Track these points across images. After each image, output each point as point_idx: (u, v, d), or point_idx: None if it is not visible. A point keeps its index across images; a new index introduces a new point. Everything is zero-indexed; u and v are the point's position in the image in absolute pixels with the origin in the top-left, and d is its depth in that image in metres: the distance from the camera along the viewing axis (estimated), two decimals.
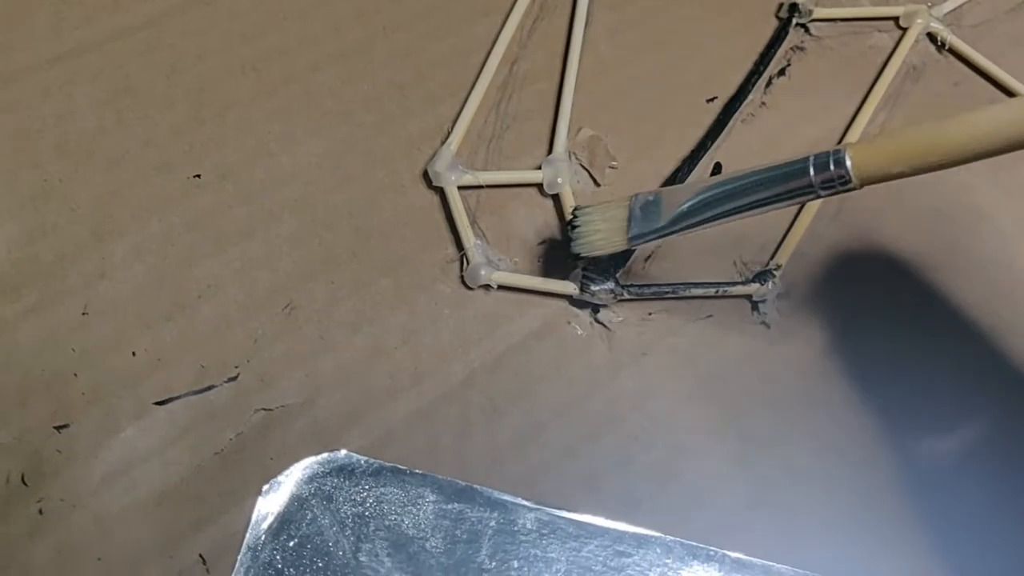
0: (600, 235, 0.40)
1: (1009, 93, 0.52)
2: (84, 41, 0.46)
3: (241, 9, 0.48)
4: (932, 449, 0.41)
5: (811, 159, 0.33)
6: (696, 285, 0.43)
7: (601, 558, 0.37)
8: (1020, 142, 0.30)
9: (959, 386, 0.42)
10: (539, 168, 0.45)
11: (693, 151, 0.47)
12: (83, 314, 0.39)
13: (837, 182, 0.33)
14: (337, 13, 0.49)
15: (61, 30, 0.46)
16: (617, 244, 0.39)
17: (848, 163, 0.32)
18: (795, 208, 0.46)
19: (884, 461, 0.40)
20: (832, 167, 0.33)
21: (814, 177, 0.33)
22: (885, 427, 0.41)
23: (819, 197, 0.34)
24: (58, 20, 0.46)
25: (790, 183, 0.34)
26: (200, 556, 0.35)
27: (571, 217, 0.41)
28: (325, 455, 0.37)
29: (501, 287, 0.42)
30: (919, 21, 0.53)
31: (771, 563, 0.37)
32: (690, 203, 0.37)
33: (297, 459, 0.37)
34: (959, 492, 0.40)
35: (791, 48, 0.52)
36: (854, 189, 0.33)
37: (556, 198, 0.45)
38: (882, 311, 0.44)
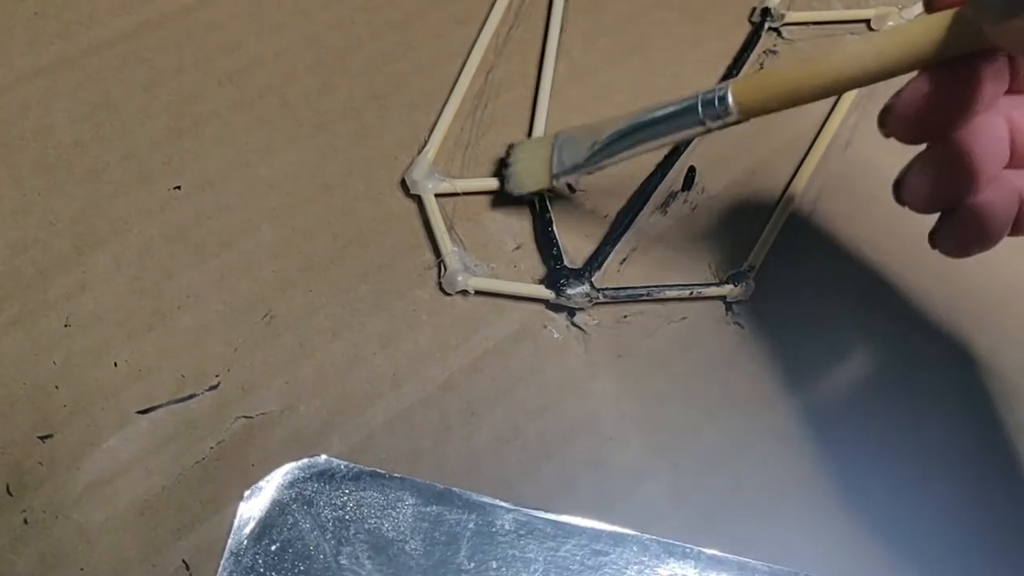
0: (528, 173, 0.43)
1: None
2: (61, 56, 0.47)
3: (217, 22, 0.49)
4: (909, 446, 0.42)
5: (699, 95, 0.36)
6: (671, 287, 0.43)
7: (578, 557, 0.37)
8: (883, 72, 0.31)
9: (936, 382, 0.43)
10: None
11: (667, 155, 0.48)
12: (65, 326, 0.40)
13: (722, 115, 0.35)
14: (313, 24, 0.50)
15: (38, 45, 0.47)
16: (542, 181, 0.43)
17: (729, 98, 0.35)
18: (768, 211, 0.47)
19: (859, 458, 0.41)
20: (716, 103, 0.35)
21: (702, 111, 0.36)
22: (860, 424, 0.42)
23: (710, 131, 0.37)
24: (35, 35, 0.47)
25: (684, 117, 0.37)
26: (183, 562, 0.36)
27: (504, 155, 0.44)
28: (305, 460, 0.38)
29: (478, 292, 0.43)
30: (890, 23, 0.54)
31: (746, 559, 0.38)
32: (603, 139, 0.40)
33: (278, 465, 0.38)
34: (934, 489, 0.41)
35: (764, 52, 0.53)
36: (739, 122, 0.35)
37: (532, 204, 0.45)
38: (855, 312, 0.44)
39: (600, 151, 0.40)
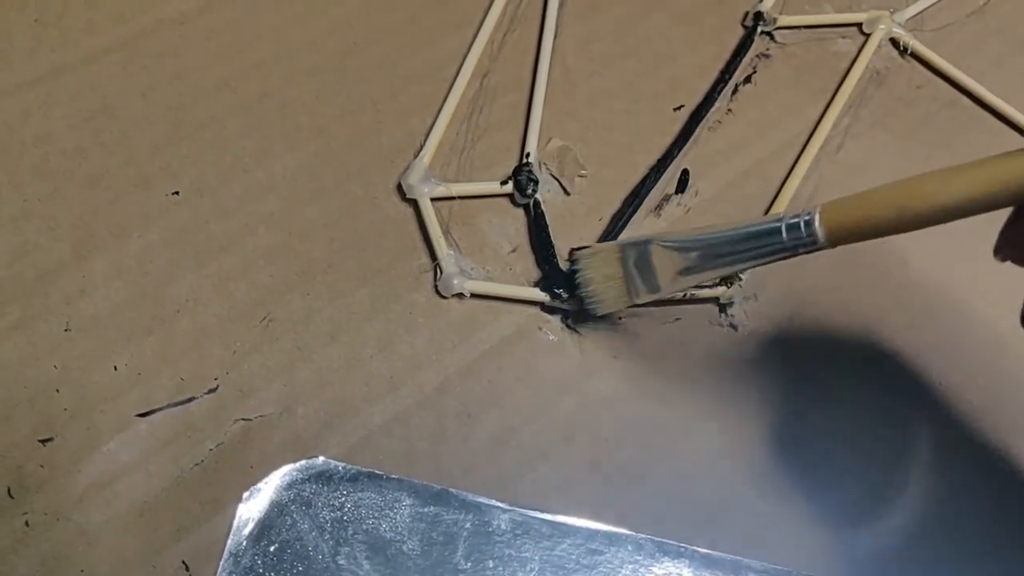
0: (605, 296, 0.41)
1: (970, 95, 0.53)
2: (61, 63, 0.47)
3: (215, 28, 0.49)
4: (899, 448, 0.42)
5: (783, 220, 0.34)
6: None
7: (574, 556, 0.38)
8: (996, 202, 0.29)
9: (922, 385, 0.43)
10: (509, 179, 0.46)
11: (660, 159, 0.48)
12: (65, 330, 0.40)
13: (807, 243, 0.34)
14: (311, 30, 0.50)
15: (38, 53, 0.47)
16: (621, 303, 0.41)
17: (816, 226, 0.33)
18: (761, 214, 0.47)
19: (852, 460, 0.41)
20: (803, 228, 0.33)
21: (786, 236, 0.34)
22: (853, 426, 0.42)
23: (796, 255, 0.35)
24: (35, 43, 0.47)
25: (765, 242, 0.35)
26: (183, 563, 0.36)
27: (570, 265, 0.43)
28: (303, 462, 0.38)
29: (474, 295, 0.43)
30: (882, 27, 0.55)
31: (739, 558, 0.38)
32: (685, 269, 0.38)
33: (276, 467, 0.38)
34: (923, 492, 0.41)
35: (757, 56, 0.54)
36: (826, 247, 0.34)
37: (527, 208, 0.46)
38: (847, 313, 0.45)
39: (680, 283, 0.39)
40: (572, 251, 0.43)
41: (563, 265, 0.44)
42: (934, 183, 0.30)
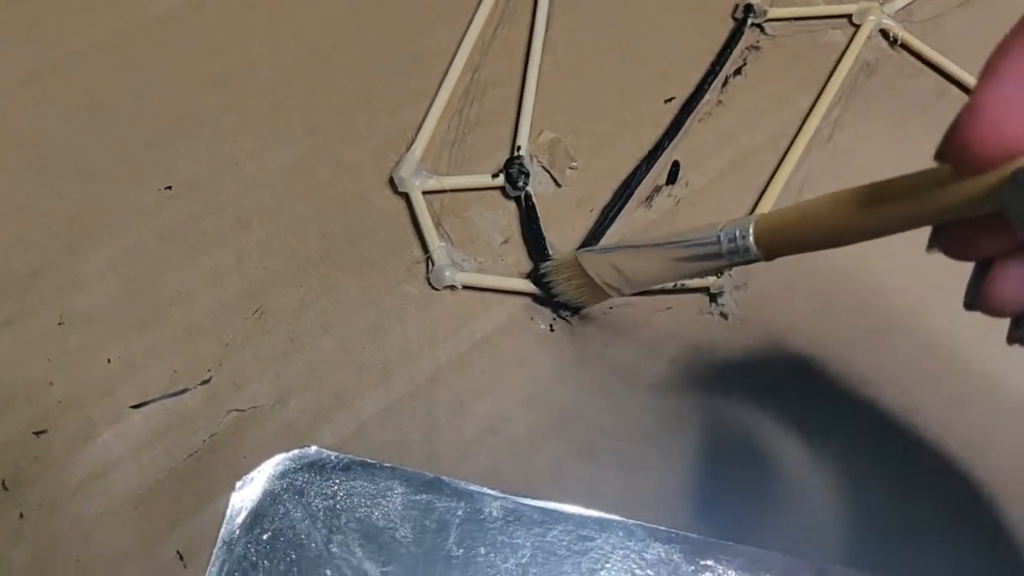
0: (577, 293, 0.42)
1: (960, 85, 0.53)
2: (55, 61, 0.47)
3: (207, 26, 0.50)
4: (885, 432, 0.42)
5: (720, 233, 0.34)
6: None
7: (565, 542, 0.38)
8: (922, 222, 0.28)
9: (913, 370, 0.44)
10: (501, 172, 0.46)
11: (651, 150, 0.49)
12: (59, 324, 0.41)
13: (742, 253, 0.34)
14: (301, 27, 0.50)
15: (32, 51, 0.47)
16: (599, 298, 0.41)
17: (751, 239, 0.33)
18: (751, 204, 0.47)
19: (841, 444, 0.42)
20: (737, 240, 0.33)
21: (724, 247, 0.34)
22: (841, 411, 0.42)
23: (733, 265, 0.35)
24: (27, 43, 0.48)
25: (705, 251, 0.35)
26: (178, 553, 0.36)
27: (539, 272, 0.43)
28: (296, 451, 0.38)
29: (466, 287, 0.43)
30: (871, 18, 0.55)
31: (731, 543, 0.39)
32: (627, 274, 0.39)
33: (269, 457, 0.38)
34: (914, 477, 0.41)
35: (747, 47, 0.54)
36: (760, 260, 0.34)
37: (518, 200, 0.46)
38: (838, 302, 0.45)
39: (632, 284, 0.39)
40: (536, 266, 0.44)
41: (554, 256, 0.44)
42: (864, 202, 0.29)
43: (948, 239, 0.29)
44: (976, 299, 0.29)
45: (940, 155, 0.26)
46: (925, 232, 0.45)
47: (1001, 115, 0.24)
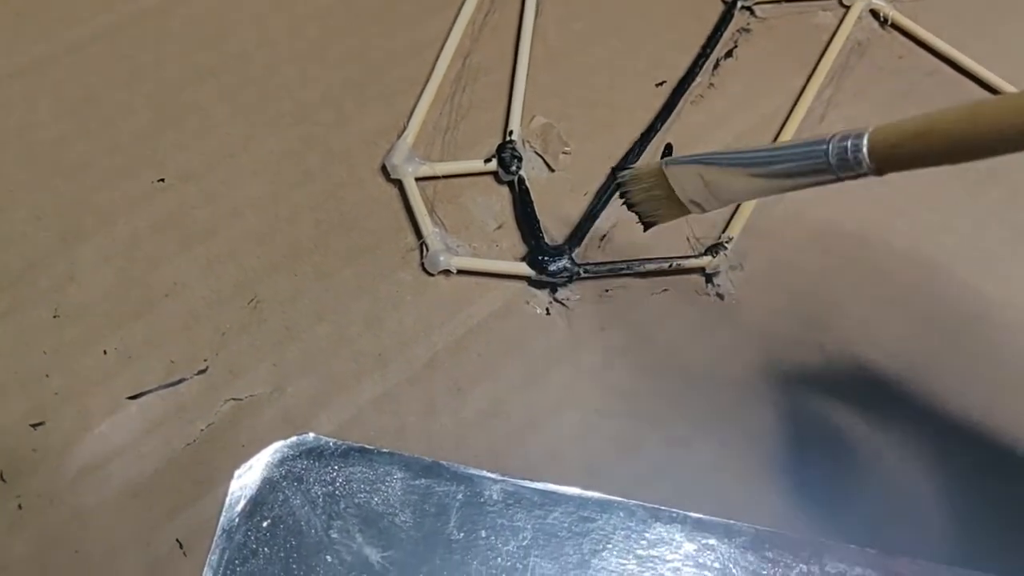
0: (656, 206, 0.39)
1: (952, 64, 0.53)
2: (43, 55, 0.47)
3: (196, 17, 0.49)
4: (883, 407, 0.42)
5: (829, 142, 0.32)
6: (650, 260, 0.44)
7: (566, 524, 0.38)
8: None
9: (910, 347, 0.44)
10: (493, 157, 0.46)
11: (644, 133, 0.49)
12: (54, 317, 0.40)
13: (855, 167, 0.31)
14: (291, 17, 0.50)
15: (20, 45, 0.47)
16: (678, 213, 0.38)
17: (864, 151, 0.31)
18: None
19: (840, 424, 0.42)
20: (849, 153, 0.31)
21: (834, 161, 0.32)
22: (840, 390, 0.42)
23: (840, 180, 0.32)
24: (16, 36, 0.48)
25: (812, 164, 0.32)
26: (177, 541, 0.36)
27: (619, 192, 0.40)
28: (294, 438, 0.38)
29: (460, 272, 0.43)
30: (861, 2, 0.55)
31: (731, 521, 0.39)
32: (724, 184, 0.36)
33: (267, 445, 0.38)
34: (909, 457, 0.41)
35: (737, 30, 0.54)
36: (871, 175, 0.31)
37: (511, 185, 0.46)
38: (832, 280, 0.45)
39: (725, 194, 0.36)
40: (616, 173, 0.42)
41: (548, 240, 0.44)
42: (993, 109, 0.28)
43: None
44: None
45: None
46: (923, 213, 0.45)
47: None
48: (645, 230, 0.40)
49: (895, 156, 0.30)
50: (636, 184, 0.39)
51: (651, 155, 0.48)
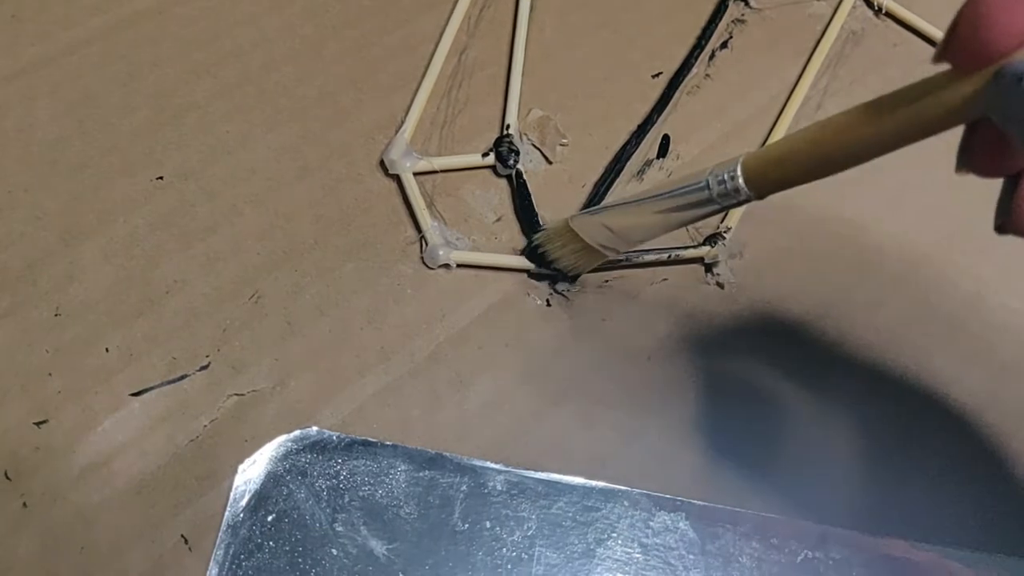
0: (575, 259, 0.42)
1: None
2: (41, 56, 0.47)
3: (192, 16, 0.50)
4: (887, 395, 0.42)
5: (707, 176, 0.34)
6: (649, 251, 0.44)
7: (571, 513, 0.38)
8: (908, 139, 0.28)
9: (911, 331, 0.44)
10: (491, 151, 0.46)
11: (640, 125, 0.49)
12: (55, 315, 0.40)
13: (733, 195, 0.33)
14: (287, 15, 0.50)
15: (17, 47, 0.47)
16: (599, 260, 0.41)
17: (740, 179, 0.33)
18: None
19: (841, 410, 0.42)
20: (727, 182, 0.33)
21: (713, 191, 0.34)
22: (841, 376, 0.42)
23: (724, 209, 0.35)
24: (13, 38, 0.48)
25: (695, 198, 0.35)
26: (182, 537, 0.36)
27: (534, 246, 0.43)
28: (297, 432, 0.38)
29: (460, 265, 0.44)
30: None
31: (737, 509, 0.39)
32: (617, 231, 0.39)
33: (271, 440, 0.38)
34: (920, 438, 0.41)
35: (732, 21, 0.54)
36: (752, 199, 0.33)
37: (510, 178, 0.46)
38: (829, 267, 0.45)
39: (628, 239, 0.39)
40: (530, 240, 0.44)
41: None
42: (846, 124, 0.29)
43: (976, 155, 0.28)
44: (1007, 220, 0.28)
45: (939, 55, 0.26)
46: (920, 197, 0.45)
47: (997, 12, 0.24)
48: (573, 282, 0.43)
49: (767, 181, 0.32)
50: (552, 243, 0.42)
51: (648, 146, 0.48)
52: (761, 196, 0.33)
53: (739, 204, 0.34)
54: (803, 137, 0.31)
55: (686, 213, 0.36)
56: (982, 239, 0.45)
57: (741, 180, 0.33)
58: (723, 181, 0.33)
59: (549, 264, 0.43)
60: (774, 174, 0.32)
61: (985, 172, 0.28)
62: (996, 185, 0.28)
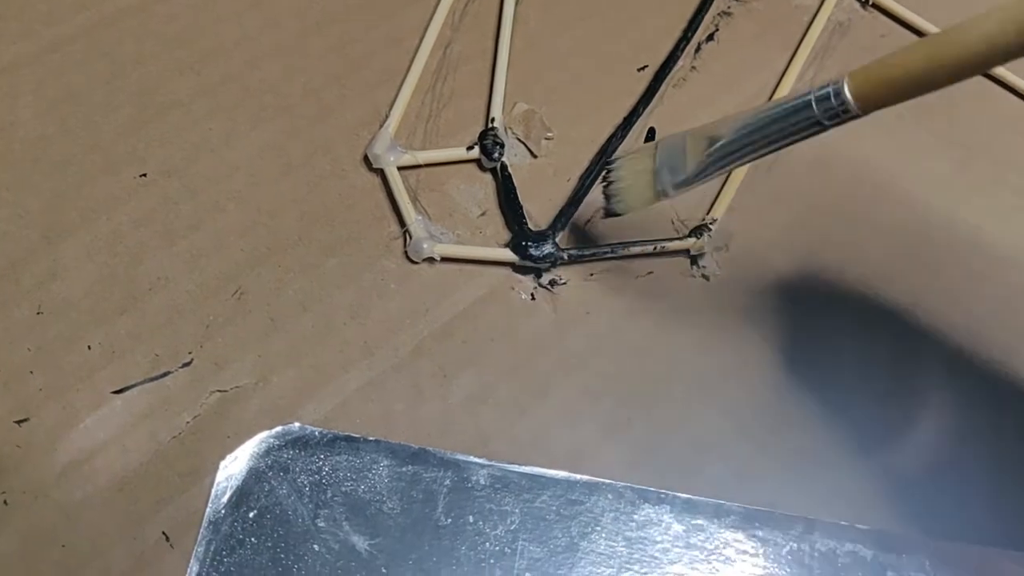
0: (632, 192, 0.41)
1: None
2: (23, 54, 0.47)
3: (175, 13, 0.49)
4: (875, 385, 0.42)
5: (811, 92, 0.34)
6: (634, 243, 0.44)
7: (554, 507, 0.38)
8: (1015, 51, 0.29)
9: (903, 321, 0.44)
10: (476, 145, 0.46)
11: (626, 118, 0.49)
12: (37, 313, 0.40)
13: (839, 112, 0.33)
14: (271, 11, 0.50)
15: (0, 43, 0.47)
16: (647, 199, 0.40)
17: (846, 93, 0.33)
18: None
19: (824, 405, 0.41)
20: (832, 98, 0.33)
21: (817, 109, 0.34)
22: (823, 371, 0.42)
23: (826, 128, 0.34)
24: None
25: (797, 116, 0.34)
26: (164, 534, 0.36)
27: (605, 172, 0.42)
28: (279, 428, 0.38)
29: (445, 259, 0.43)
30: None
31: (721, 501, 0.38)
32: (714, 150, 0.37)
33: (253, 436, 0.38)
34: (901, 435, 0.41)
35: (719, 14, 0.54)
36: (859, 116, 0.33)
37: (494, 172, 0.46)
38: (817, 260, 0.45)
39: (711, 164, 0.38)
40: (607, 162, 0.43)
41: (532, 226, 0.44)
42: (962, 30, 0.30)
43: None
44: None
45: None
46: (897, 190, 0.45)
47: None
48: (604, 216, 0.42)
49: (878, 97, 0.32)
50: (626, 163, 0.41)
51: (634, 139, 0.48)
52: (868, 111, 0.33)
53: (843, 122, 0.34)
54: (915, 55, 0.31)
55: (787, 138, 0.35)
56: (969, 229, 0.45)
57: (850, 97, 0.33)
58: (828, 99, 0.33)
59: (606, 185, 0.42)
60: (885, 90, 0.32)
61: None
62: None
